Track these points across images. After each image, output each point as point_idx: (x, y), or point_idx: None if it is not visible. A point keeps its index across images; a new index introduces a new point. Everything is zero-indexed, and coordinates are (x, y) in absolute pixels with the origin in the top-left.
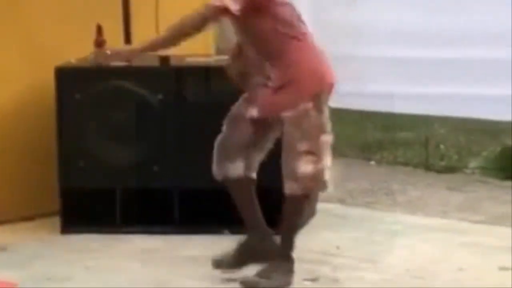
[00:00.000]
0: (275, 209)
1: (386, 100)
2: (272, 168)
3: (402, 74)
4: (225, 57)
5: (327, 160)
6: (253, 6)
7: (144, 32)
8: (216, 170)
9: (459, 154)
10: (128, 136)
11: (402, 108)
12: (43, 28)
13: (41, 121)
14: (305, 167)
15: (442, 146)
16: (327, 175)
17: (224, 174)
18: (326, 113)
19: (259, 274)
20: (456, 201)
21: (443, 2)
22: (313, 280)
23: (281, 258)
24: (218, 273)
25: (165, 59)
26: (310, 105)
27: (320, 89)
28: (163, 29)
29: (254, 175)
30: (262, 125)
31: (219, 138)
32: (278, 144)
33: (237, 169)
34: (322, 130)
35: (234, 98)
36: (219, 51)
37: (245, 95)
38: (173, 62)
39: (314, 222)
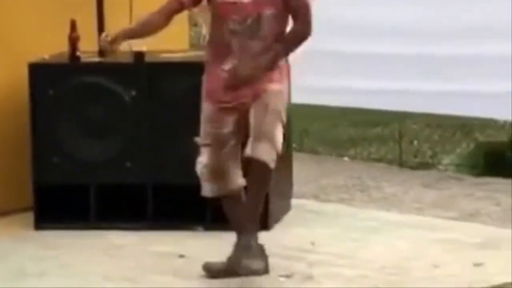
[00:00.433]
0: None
1: (359, 96)
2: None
3: (374, 70)
4: (200, 52)
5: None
6: None
7: (118, 27)
8: (213, 189)
9: (432, 151)
10: (102, 132)
11: (375, 104)
12: (16, 24)
13: (15, 117)
14: (279, 134)
15: (415, 143)
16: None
17: (220, 191)
18: None
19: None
20: (430, 198)
21: None
22: (288, 276)
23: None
24: (190, 269)
25: (139, 55)
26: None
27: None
28: None
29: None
30: (242, 115)
31: (207, 156)
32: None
33: (235, 180)
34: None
35: None
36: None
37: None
38: (147, 58)
39: (288, 218)
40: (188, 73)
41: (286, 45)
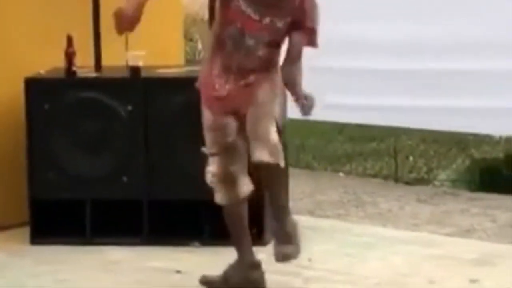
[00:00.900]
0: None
1: (355, 111)
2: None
3: (369, 85)
4: (196, 68)
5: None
6: None
7: (114, 42)
8: (225, 198)
9: (428, 166)
10: (98, 147)
11: (371, 120)
12: (13, 39)
13: (11, 132)
14: (274, 134)
15: (411, 158)
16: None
17: (232, 199)
18: None
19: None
20: (426, 214)
21: (411, 14)
22: None
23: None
24: (187, 284)
25: (135, 70)
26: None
27: None
28: (133, 42)
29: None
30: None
31: (217, 165)
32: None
33: (244, 187)
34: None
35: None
36: (189, 62)
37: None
38: (143, 74)
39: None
40: (184, 88)
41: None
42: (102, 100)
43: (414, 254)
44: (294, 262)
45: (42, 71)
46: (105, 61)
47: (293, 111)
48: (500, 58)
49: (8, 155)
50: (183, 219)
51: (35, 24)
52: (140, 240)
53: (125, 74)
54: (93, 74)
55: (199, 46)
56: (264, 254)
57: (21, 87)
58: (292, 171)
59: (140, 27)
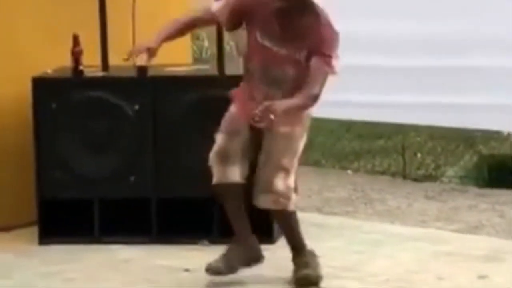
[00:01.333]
0: None
1: (363, 109)
2: None
3: (377, 83)
4: (203, 67)
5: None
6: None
7: (121, 41)
8: (216, 174)
9: (436, 163)
10: (105, 146)
11: (379, 117)
12: (20, 38)
13: (18, 131)
14: (279, 182)
15: (419, 155)
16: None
17: (221, 178)
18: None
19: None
20: (434, 210)
21: (418, 11)
22: None
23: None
24: (195, 283)
25: (142, 69)
26: (304, 125)
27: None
28: (139, 39)
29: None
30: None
31: (219, 142)
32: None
33: (236, 174)
34: (300, 150)
35: (210, 108)
36: (196, 61)
37: (239, 97)
38: (150, 72)
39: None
40: (191, 87)
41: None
42: (109, 99)
43: (422, 250)
44: None
45: (49, 71)
46: (112, 61)
47: None
48: (508, 55)
49: (15, 155)
50: (191, 217)
51: (42, 23)
52: (149, 238)
53: (132, 73)
54: (100, 73)
55: (206, 44)
56: (272, 251)
57: (28, 86)
58: (300, 168)
59: (147, 26)
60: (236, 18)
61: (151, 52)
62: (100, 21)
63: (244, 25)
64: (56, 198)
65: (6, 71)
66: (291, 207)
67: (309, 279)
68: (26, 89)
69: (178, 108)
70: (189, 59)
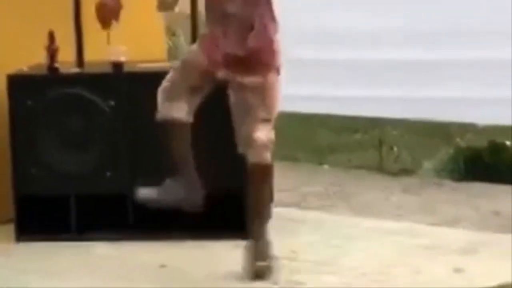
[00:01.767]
0: None
1: (338, 102)
2: None
3: (353, 76)
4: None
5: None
6: None
7: (96, 38)
8: (160, 110)
9: (412, 156)
10: (81, 143)
11: (355, 111)
12: None
13: None
14: (261, 134)
15: (395, 149)
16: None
17: (166, 114)
18: None
19: None
20: (411, 204)
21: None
22: (272, 284)
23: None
24: (171, 278)
25: (118, 65)
26: (277, 76)
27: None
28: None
29: (191, 119)
30: (212, 77)
31: (167, 78)
32: None
33: (180, 111)
34: (279, 100)
35: None
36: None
37: (202, 44)
38: (126, 68)
39: (269, 226)
40: None
41: None
42: (85, 95)
43: (399, 244)
44: (279, 254)
45: (24, 68)
46: (87, 57)
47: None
48: (483, 48)
49: None
50: (167, 213)
51: (17, 21)
52: (125, 235)
53: (108, 69)
54: (76, 70)
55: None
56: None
57: (3, 84)
58: (276, 164)
59: (122, 22)
60: None
61: (116, 8)
62: (75, 17)
63: None
64: (32, 195)
65: None
66: (269, 160)
67: (263, 274)
68: (1, 87)
69: (154, 104)
70: (164, 55)
